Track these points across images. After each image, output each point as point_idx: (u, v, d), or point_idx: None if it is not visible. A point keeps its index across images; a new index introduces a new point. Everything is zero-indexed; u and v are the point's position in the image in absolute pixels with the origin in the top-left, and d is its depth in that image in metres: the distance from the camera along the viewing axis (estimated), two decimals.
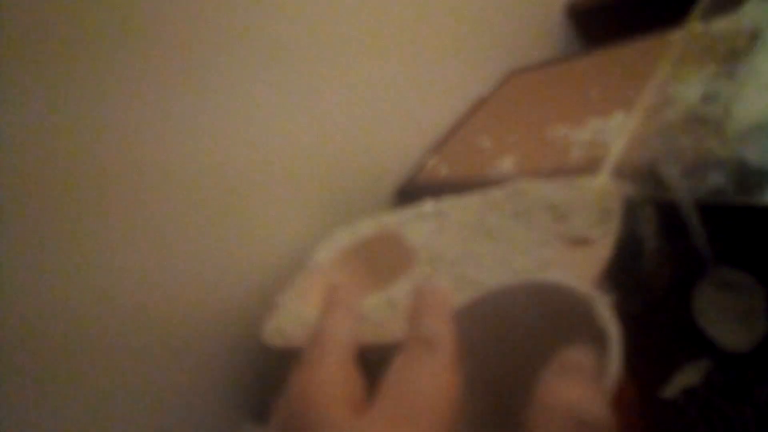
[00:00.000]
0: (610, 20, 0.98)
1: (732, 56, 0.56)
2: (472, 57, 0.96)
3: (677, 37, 0.63)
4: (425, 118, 0.90)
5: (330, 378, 0.30)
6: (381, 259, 0.66)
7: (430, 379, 0.28)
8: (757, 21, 0.57)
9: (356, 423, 0.27)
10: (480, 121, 0.88)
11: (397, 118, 0.87)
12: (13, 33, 0.53)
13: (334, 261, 0.70)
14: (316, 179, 0.80)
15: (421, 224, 0.65)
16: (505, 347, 0.39)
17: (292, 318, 0.64)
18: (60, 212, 0.57)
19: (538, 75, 0.91)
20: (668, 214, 0.51)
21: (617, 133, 0.65)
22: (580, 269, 0.47)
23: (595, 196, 0.52)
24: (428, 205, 0.67)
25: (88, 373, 0.59)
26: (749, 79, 0.52)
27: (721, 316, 0.49)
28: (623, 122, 0.65)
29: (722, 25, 0.61)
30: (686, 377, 0.47)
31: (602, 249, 0.47)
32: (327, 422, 0.27)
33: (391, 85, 0.87)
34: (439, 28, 0.92)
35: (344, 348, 0.32)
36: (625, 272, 0.51)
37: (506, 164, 0.72)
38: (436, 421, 0.26)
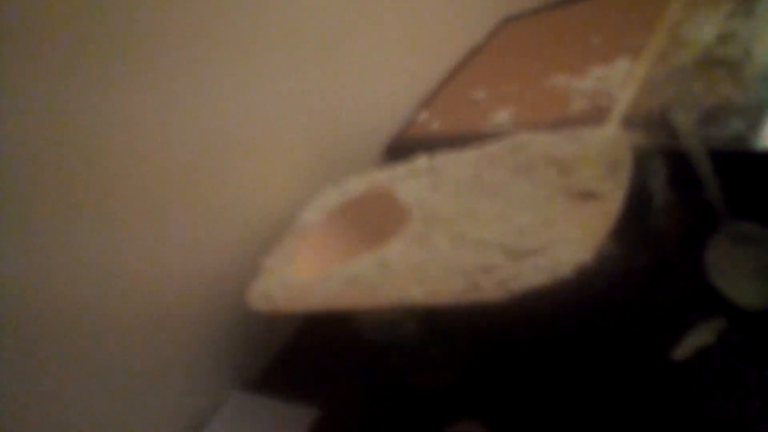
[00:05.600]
0: None
1: None
2: (464, 3, 0.91)
3: None
4: (416, 70, 0.85)
5: None
6: (372, 219, 0.63)
7: None
8: None
9: None
10: (473, 71, 0.83)
11: (386, 71, 0.82)
12: None
13: (322, 221, 0.66)
14: (304, 137, 0.76)
15: (413, 181, 0.61)
16: None
17: (278, 282, 0.61)
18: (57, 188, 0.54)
19: (534, 22, 0.86)
20: (680, 165, 0.48)
21: (622, 80, 0.60)
22: (587, 226, 0.43)
23: (603, 147, 0.48)
24: (421, 161, 0.63)
25: (82, 346, 0.56)
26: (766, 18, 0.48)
27: (736, 272, 0.47)
28: (629, 69, 0.61)
29: None
30: (699, 338, 0.45)
31: (612, 203, 0.44)
32: None
33: (378, 36, 0.82)
34: None
35: None
36: (634, 226, 0.48)
37: (503, 117, 0.68)
38: None
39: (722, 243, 0.48)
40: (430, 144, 0.74)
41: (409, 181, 0.61)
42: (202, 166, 0.66)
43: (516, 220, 0.48)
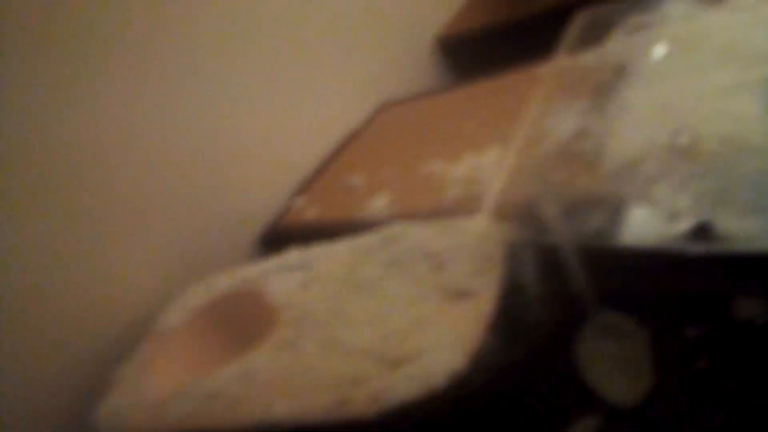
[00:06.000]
0: (481, 51, 0.97)
1: (601, 90, 0.54)
2: (342, 90, 0.91)
3: (547, 71, 0.61)
4: (292, 154, 0.83)
5: None
6: (240, 321, 0.57)
7: None
8: (621, 55, 0.56)
9: None
10: (351, 157, 0.82)
11: (260, 156, 0.79)
12: None
13: (184, 324, 0.60)
14: (169, 226, 0.70)
15: (284, 277, 0.57)
16: None
17: (130, 397, 0.53)
18: None
19: (411, 108, 0.87)
20: (549, 257, 0.47)
21: (493, 169, 0.61)
22: (461, 328, 0.41)
23: (475, 241, 0.47)
24: (292, 255, 0.59)
25: None
26: (620, 114, 0.50)
27: (606, 366, 0.46)
28: (499, 157, 0.62)
29: (589, 58, 0.59)
30: None
31: (485, 303, 0.42)
32: None
33: (255, 119, 0.79)
34: (307, 60, 0.86)
35: None
36: (509, 320, 0.46)
37: (380, 204, 0.66)
38: None
39: (591, 336, 0.47)
40: (305, 233, 0.70)
41: (280, 278, 0.57)
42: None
43: (389, 322, 0.45)
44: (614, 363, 0.46)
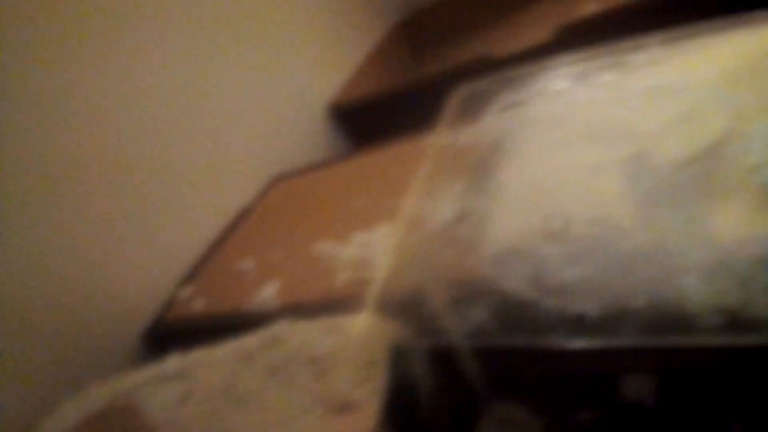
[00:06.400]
0: (373, 118, 0.97)
1: (478, 169, 0.54)
2: (231, 163, 0.87)
3: (429, 148, 0.61)
4: (179, 238, 0.78)
5: None
6: None
7: None
8: (495, 133, 0.57)
9: None
10: (242, 237, 0.78)
11: (145, 242, 0.73)
12: None
13: None
14: (40, 332, 0.63)
15: (162, 389, 0.52)
16: None
17: None
18: None
19: (302, 181, 0.85)
20: (440, 351, 0.46)
21: (381, 249, 0.59)
22: None
23: (358, 344, 0.45)
24: (171, 362, 0.54)
25: None
26: (496, 194, 0.50)
27: None
28: (386, 236, 0.60)
29: (466, 136, 0.60)
30: None
31: (367, 417, 0.39)
32: None
33: (135, 202, 0.74)
34: (194, 138, 0.82)
35: None
36: (402, 417, 0.44)
37: (268, 293, 0.63)
38: None
39: (489, 427, 0.45)
40: (191, 328, 0.66)
41: (158, 390, 0.52)
42: None
43: None
44: None
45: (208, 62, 0.86)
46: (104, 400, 0.55)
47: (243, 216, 0.83)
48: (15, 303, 0.61)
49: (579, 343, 0.38)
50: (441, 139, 0.61)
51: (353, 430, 0.39)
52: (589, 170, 0.48)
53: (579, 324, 0.39)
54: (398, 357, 0.44)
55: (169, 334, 0.67)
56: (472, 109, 0.62)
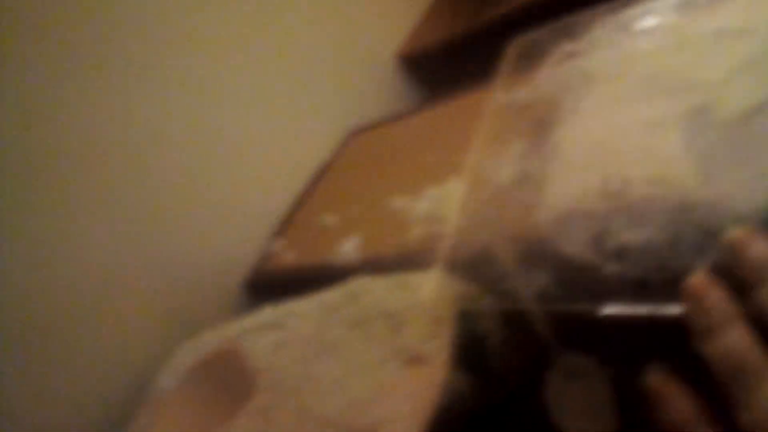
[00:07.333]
0: (441, 65, 0.98)
1: (537, 127, 0.55)
2: (309, 121, 0.92)
3: (487, 108, 0.61)
4: (268, 194, 0.85)
5: None
6: (225, 383, 0.60)
7: None
8: (552, 89, 0.57)
9: None
10: (323, 192, 0.83)
11: (236, 203, 0.81)
12: None
13: (176, 388, 0.62)
14: (152, 287, 0.72)
15: (260, 337, 0.59)
16: None
17: None
18: None
19: (377, 134, 0.88)
20: (507, 311, 0.49)
21: (450, 205, 0.62)
22: (415, 398, 0.43)
23: (427, 300, 0.49)
24: (266, 313, 0.61)
25: None
26: (556, 155, 0.51)
27: (572, 407, 0.48)
28: (455, 193, 0.63)
29: (524, 91, 0.60)
30: None
31: (437, 371, 0.44)
32: None
33: (225, 161, 0.81)
34: (270, 99, 0.87)
35: None
36: (472, 369, 0.48)
37: (350, 246, 0.68)
38: None
39: (556, 378, 0.49)
40: (285, 280, 0.73)
41: (257, 337, 0.60)
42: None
43: (353, 390, 0.47)
44: (579, 404, 0.48)
45: (275, 23, 0.89)
46: (213, 346, 0.64)
47: (324, 170, 0.88)
48: (139, 271, 0.71)
49: (641, 310, 0.39)
50: (499, 96, 0.62)
51: (427, 380, 0.44)
52: (649, 126, 0.48)
53: (642, 289, 0.40)
54: (466, 315, 0.48)
55: (266, 284, 0.74)
56: (528, 62, 0.62)
